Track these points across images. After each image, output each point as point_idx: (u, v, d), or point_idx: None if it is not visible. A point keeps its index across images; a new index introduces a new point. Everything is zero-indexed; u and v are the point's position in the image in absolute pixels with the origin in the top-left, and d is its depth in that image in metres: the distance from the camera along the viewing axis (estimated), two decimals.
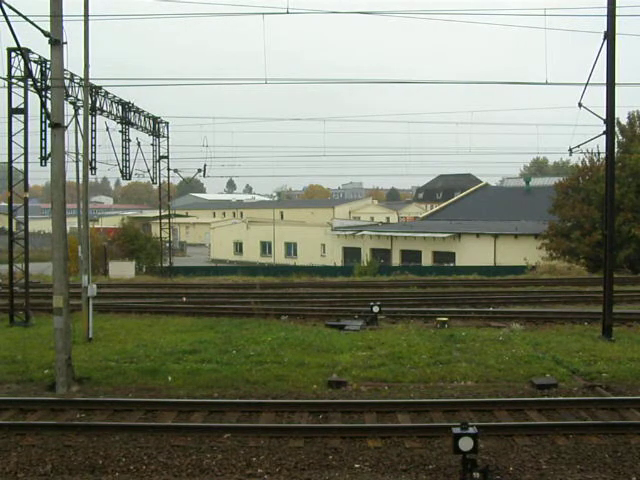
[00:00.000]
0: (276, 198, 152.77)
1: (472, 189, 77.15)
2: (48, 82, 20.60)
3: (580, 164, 44.11)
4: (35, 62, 23.14)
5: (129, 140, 36.25)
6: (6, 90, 22.19)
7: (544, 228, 44.18)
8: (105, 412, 11.54)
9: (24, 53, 20.45)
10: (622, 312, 21.36)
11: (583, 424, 10.44)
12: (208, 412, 11.45)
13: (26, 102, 22.41)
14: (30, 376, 14.32)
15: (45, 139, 24.27)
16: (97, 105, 30.79)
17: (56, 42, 13.38)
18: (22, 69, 22.18)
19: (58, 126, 13.63)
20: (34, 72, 22.67)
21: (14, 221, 23.45)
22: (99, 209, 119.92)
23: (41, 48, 18.14)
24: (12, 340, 18.66)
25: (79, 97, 26.02)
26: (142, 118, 37.57)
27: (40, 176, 31.95)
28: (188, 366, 14.87)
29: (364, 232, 59.45)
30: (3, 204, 36.45)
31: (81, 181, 19.74)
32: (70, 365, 13.59)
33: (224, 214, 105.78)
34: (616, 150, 34.92)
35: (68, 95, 25.02)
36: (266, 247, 69.39)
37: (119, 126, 34.94)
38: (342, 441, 10.01)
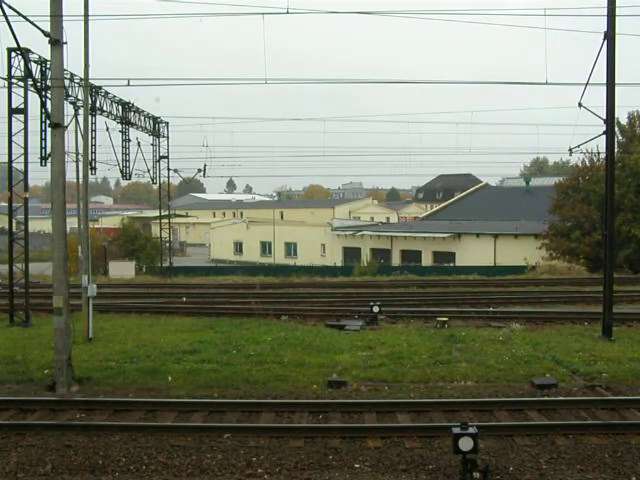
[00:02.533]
0: (276, 198, 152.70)
1: (472, 189, 77.11)
2: (48, 82, 20.60)
3: (580, 164, 44.10)
4: (35, 62, 23.15)
5: (129, 140, 36.27)
6: (6, 90, 22.20)
7: (544, 228, 44.16)
8: (105, 412, 11.54)
9: (24, 53, 20.47)
10: (622, 312, 21.34)
11: (583, 424, 10.44)
12: (208, 412, 11.45)
13: (26, 102, 22.41)
14: (30, 376, 14.32)
15: (45, 139, 24.28)
16: (97, 105, 30.80)
17: (56, 42, 13.38)
18: (22, 69, 22.18)
19: (58, 126, 13.63)
20: (34, 72, 22.68)
21: (14, 221, 23.45)
22: (99, 209, 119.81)
23: (41, 48, 18.14)
24: (12, 340, 18.66)
25: (79, 97, 26.03)
26: (142, 118, 37.59)
27: (40, 176, 31.91)
28: (188, 366, 14.88)
29: (364, 232, 59.42)
30: (3, 204, 36.46)
31: (81, 181, 19.75)
32: (70, 365, 13.59)
33: (224, 214, 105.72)
34: (616, 150, 34.90)
35: (68, 95, 25.02)
36: (266, 247, 69.36)
37: (119, 126, 34.97)
38: (342, 441, 10.01)
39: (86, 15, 17.15)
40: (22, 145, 22.42)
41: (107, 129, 32.88)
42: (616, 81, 17.72)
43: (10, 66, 22.23)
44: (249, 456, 9.51)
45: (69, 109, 23.96)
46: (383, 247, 57.06)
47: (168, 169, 42.84)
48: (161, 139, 41.41)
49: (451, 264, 49.57)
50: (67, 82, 24.40)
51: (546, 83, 16.30)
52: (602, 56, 17.72)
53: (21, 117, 22.45)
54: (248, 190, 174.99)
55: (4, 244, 26.72)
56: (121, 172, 36.33)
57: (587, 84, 18.16)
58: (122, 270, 40.89)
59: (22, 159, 22.53)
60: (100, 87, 29.88)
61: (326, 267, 49.66)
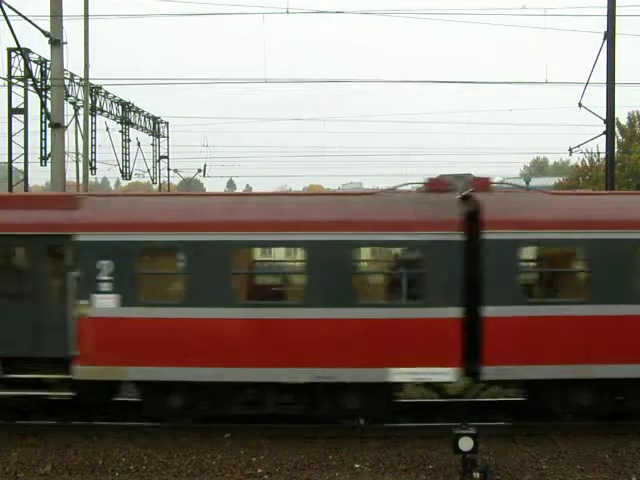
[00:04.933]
0: None
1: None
2: (48, 82, 20.60)
3: (580, 164, 44.10)
4: (35, 62, 23.10)
5: (129, 140, 36.23)
6: (6, 90, 22.20)
7: None
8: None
9: (24, 53, 20.46)
10: None
11: (583, 424, 10.42)
12: None
13: (26, 102, 22.38)
14: None
15: (45, 139, 24.21)
16: (97, 105, 30.76)
17: (56, 42, 13.41)
18: (22, 69, 22.15)
19: (58, 126, 13.67)
20: (34, 72, 22.65)
21: None
22: None
23: (41, 48, 18.13)
24: None
25: (79, 97, 26.02)
26: (142, 118, 37.55)
27: (40, 176, 31.62)
28: None
29: None
30: None
31: (81, 181, 19.76)
32: None
33: None
34: (616, 150, 34.92)
35: (68, 95, 25.00)
36: None
37: (119, 126, 34.93)
38: (342, 441, 9.99)
39: (86, 15, 17.14)
40: (22, 145, 22.41)
41: (107, 129, 32.85)
42: (616, 81, 17.72)
43: (10, 66, 22.20)
44: (249, 456, 9.49)
45: (69, 109, 24.02)
46: None
47: (168, 169, 42.75)
48: (161, 139, 41.37)
49: None
50: (67, 82, 24.37)
51: (546, 82, 16.35)
52: (602, 56, 17.74)
53: (21, 117, 22.42)
54: (248, 190, 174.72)
55: None
56: (121, 172, 36.29)
57: (587, 83, 18.19)
58: None
59: (22, 159, 22.52)
60: (100, 87, 29.85)
61: None
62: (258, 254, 11.22)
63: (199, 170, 41.63)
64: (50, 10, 13.28)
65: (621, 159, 39.10)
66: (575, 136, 22.17)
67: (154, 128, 39.93)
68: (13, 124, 22.51)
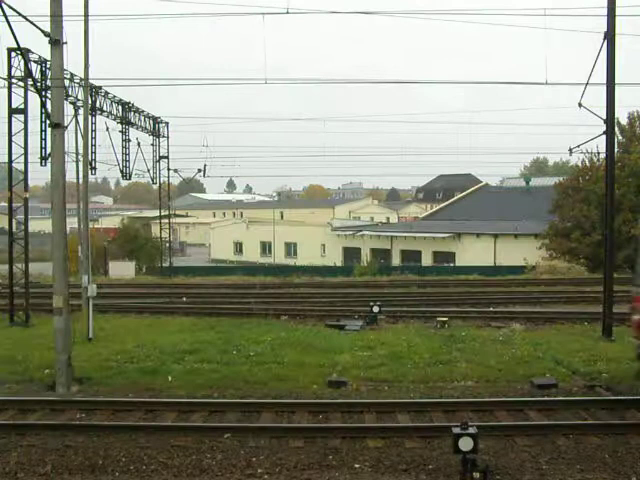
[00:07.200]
0: (276, 198, 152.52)
1: (472, 189, 76.97)
2: (48, 82, 20.59)
3: (580, 164, 44.08)
4: (35, 62, 23.13)
5: (129, 140, 36.24)
6: (6, 90, 22.20)
7: (544, 228, 44.13)
8: (105, 412, 11.53)
9: (24, 53, 20.45)
10: (622, 312, 21.29)
11: (583, 424, 10.43)
12: (208, 412, 11.44)
13: (26, 102, 22.40)
14: (30, 376, 14.30)
15: (45, 139, 24.26)
16: (97, 105, 30.78)
17: (56, 42, 13.38)
18: (22, 69, 22.17)
19: (58, 126, 13.63)
20: (34, 72, 22.67)
21: (14, 221, 23.43)
22: (99, 209, 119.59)
23: (41, 48, 18.11)
24: (12, 340, 18.63)
25: (79, 97, 26.03)
26: (142, 118, 37.57)
27: (40, 176, 31.61)
28: (188, 366, 14.88)
29: (364, 232, 59.37)
30: (3, 204, 36.41)
31: (81, 181, 19.75)
32: (70, 365, 13.58)
33: (224, 214, 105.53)
34: (616, 150, 34.90)
35: (68, 95, 25.01)
36: (266, 247, 69.27)
37: (119, 126, 34.95)
38: (342, 441, 10.00)
39: (86, 15, 17.16)
40: (22, 145, 22.43)
41: (107, 129, 32.89)
42: (616, 81, 17.72)
43: (10, 66, 22.21)
44: (249, 456, 9.48)
45: (69, 109, 24.02)
46: (383, 247, 57.01)
47: (168, 169, 42.79)
48: (161, 139, 41.39)
49: (451, 264, 49.53)
50: (67, 82, 24.38)
51: (546, 83, 16.33)
52: (602, 56, 17.74)
53: (21, 117, 22.44)
54: (248, 190, 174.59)
55: (4, 244, 26.69)
56: (121, 172, 36.33)
57: (587, 84, 18.19)
58: (122, 270, 40.87)
59: (22, 159, 22.54)
60: (100, 87, 29.88)
61: (326, 267, 49.63)
62: None
63: (199, 170, 41.70)
64: (50, 10, 13.23)
65: (621, 159, 39.06)
66: (575, 136, 22.11)
67: (154, 128, 39.95)
68: (13, 124, 22.54)
